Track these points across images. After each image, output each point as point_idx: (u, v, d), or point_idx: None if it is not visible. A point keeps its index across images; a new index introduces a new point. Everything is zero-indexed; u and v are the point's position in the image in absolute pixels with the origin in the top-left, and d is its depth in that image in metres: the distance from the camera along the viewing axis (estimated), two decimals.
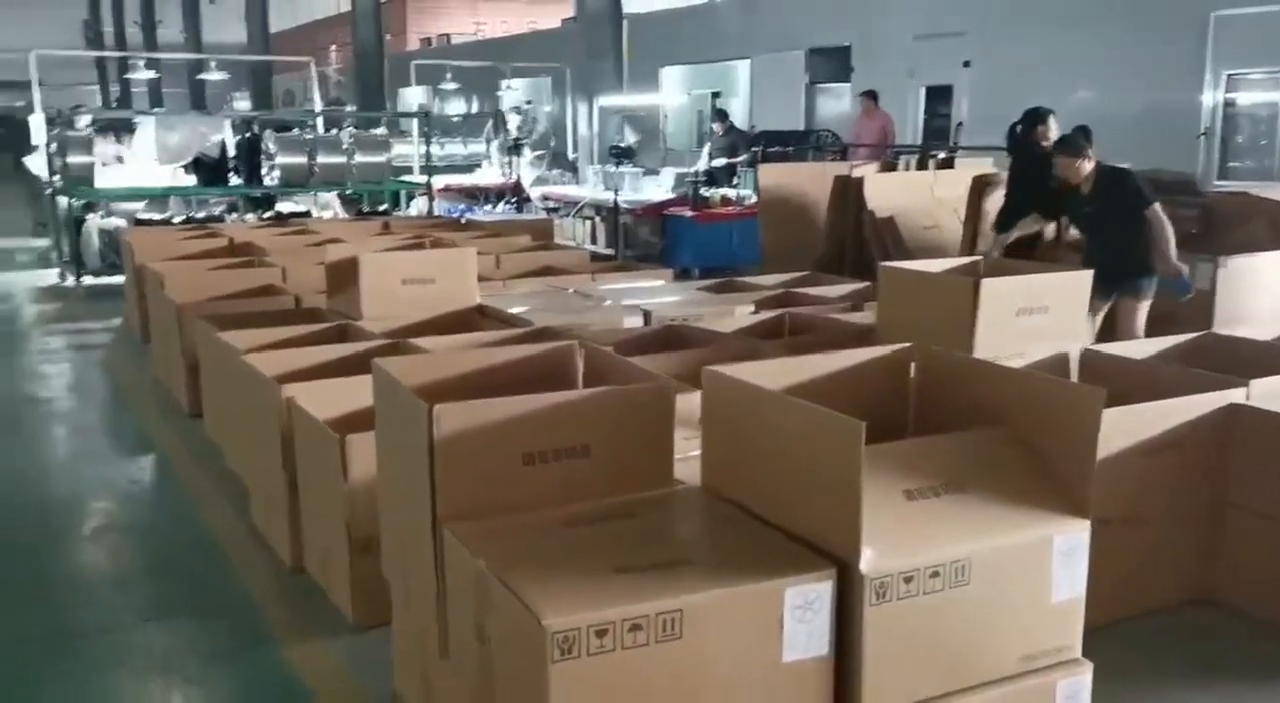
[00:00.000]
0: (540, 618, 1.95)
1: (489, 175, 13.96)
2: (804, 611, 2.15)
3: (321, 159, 10.80)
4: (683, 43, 18.90)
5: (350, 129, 12.08)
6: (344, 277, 5.48)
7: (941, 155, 9.06)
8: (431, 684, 2.70)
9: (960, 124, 14.49)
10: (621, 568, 2.16)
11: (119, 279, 9.97)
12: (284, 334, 4.97)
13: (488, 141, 14.74)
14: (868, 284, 6.36)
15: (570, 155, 14.47)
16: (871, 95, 13.10)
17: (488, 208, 12.70)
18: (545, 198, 12.49)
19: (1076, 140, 5.75)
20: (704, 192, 10.93)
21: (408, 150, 14.54)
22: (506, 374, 2.98)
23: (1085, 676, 2.45)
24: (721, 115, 12.70)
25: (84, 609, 3.65)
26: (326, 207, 12.60)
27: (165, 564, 4.05)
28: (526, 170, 13.47)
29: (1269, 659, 3.15)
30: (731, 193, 11.24)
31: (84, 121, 11.92)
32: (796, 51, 17.14)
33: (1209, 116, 11.92)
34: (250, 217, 11.05)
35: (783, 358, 3.00)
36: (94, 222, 10.59)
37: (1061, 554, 2.39)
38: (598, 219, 11.41)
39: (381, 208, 12.18)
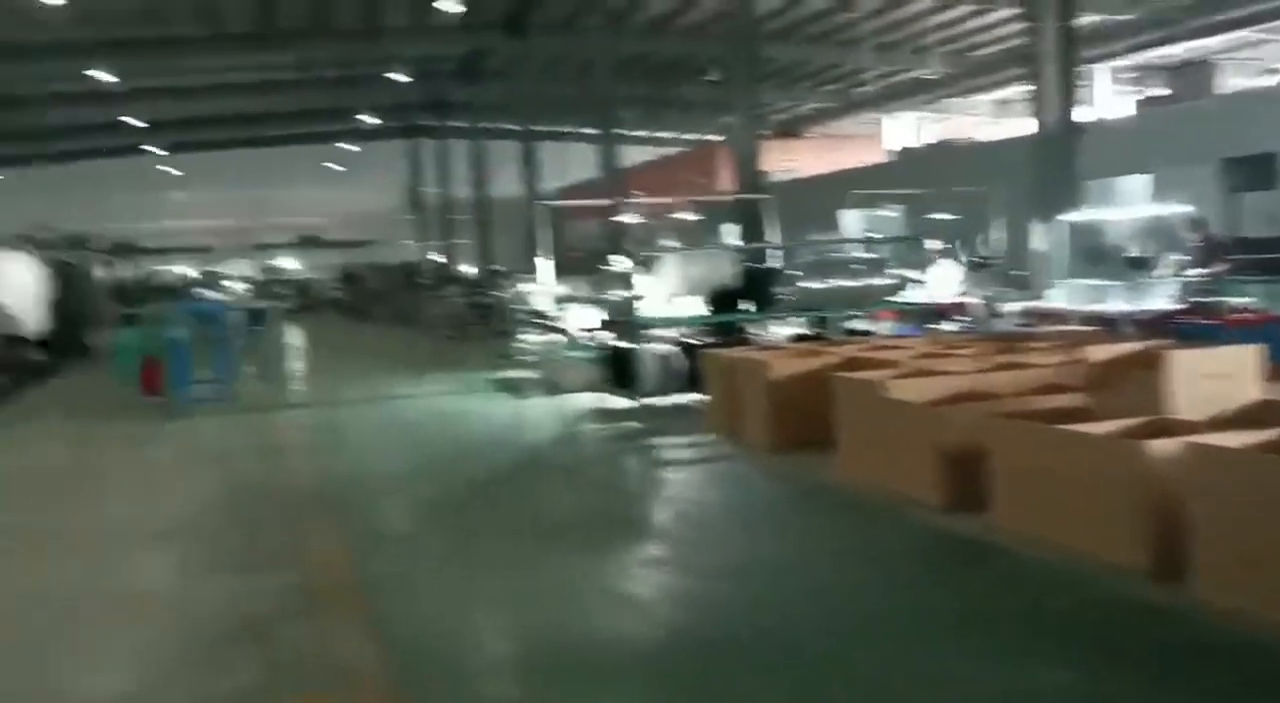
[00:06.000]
0: None
1: (938, 292, 14.66)
2: None
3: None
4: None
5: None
6: (1121, 373, 6.18)
7: None
8: None
9: None
10: None
11: (676, 398, 11.41)
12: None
13: (927, 262, 15.35)
14: None
15: (1013, 272, 14.98)
16: None
17: (934, 326, 13.42)
18: (1028, 313, 12.91)
19: None
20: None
21: None
22: None
23: None
24: (1198, 224, 12.99)
25: None
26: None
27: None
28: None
29: None
30: (1239, 300, 11.43)
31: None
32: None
33: None
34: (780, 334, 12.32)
35: None
36: (646, 348, 11.91)
37: None
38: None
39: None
